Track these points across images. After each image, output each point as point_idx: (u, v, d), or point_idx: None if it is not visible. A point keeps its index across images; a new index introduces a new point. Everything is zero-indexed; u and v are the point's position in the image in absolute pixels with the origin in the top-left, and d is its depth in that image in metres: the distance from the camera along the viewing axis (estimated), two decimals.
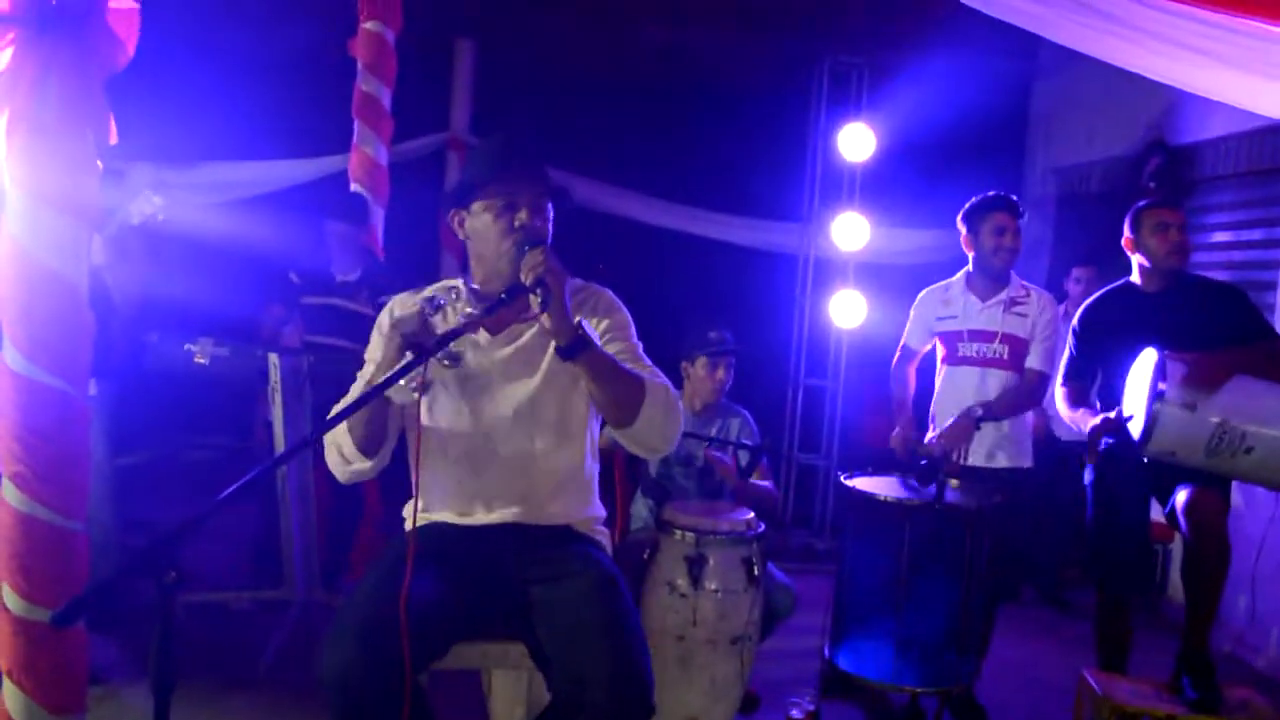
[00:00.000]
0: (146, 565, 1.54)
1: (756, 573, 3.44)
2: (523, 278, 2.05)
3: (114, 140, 2.32)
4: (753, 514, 3.61)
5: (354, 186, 5.03)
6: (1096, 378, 3.68)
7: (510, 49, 7.12)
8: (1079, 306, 3.76)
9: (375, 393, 1.83)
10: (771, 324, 6.39)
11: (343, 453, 2.20)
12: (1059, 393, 3.70)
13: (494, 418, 2.28)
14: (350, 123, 5.13)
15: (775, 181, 6.36)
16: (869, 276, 6.09)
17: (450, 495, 2.33)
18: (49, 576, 2.37)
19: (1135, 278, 3.56)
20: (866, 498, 3.65)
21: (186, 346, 3.78)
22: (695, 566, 3.41)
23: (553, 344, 2.21)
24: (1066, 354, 3.71)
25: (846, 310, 6.02)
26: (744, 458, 4.01)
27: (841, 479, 3.78)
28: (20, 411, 2.32)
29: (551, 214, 2.31)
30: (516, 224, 2.21)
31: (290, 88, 5.86)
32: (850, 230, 5.91)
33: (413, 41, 6.93)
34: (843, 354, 6.21)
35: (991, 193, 3.79)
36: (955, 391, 3.87)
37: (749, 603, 3.43)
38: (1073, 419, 3.62)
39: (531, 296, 2.03)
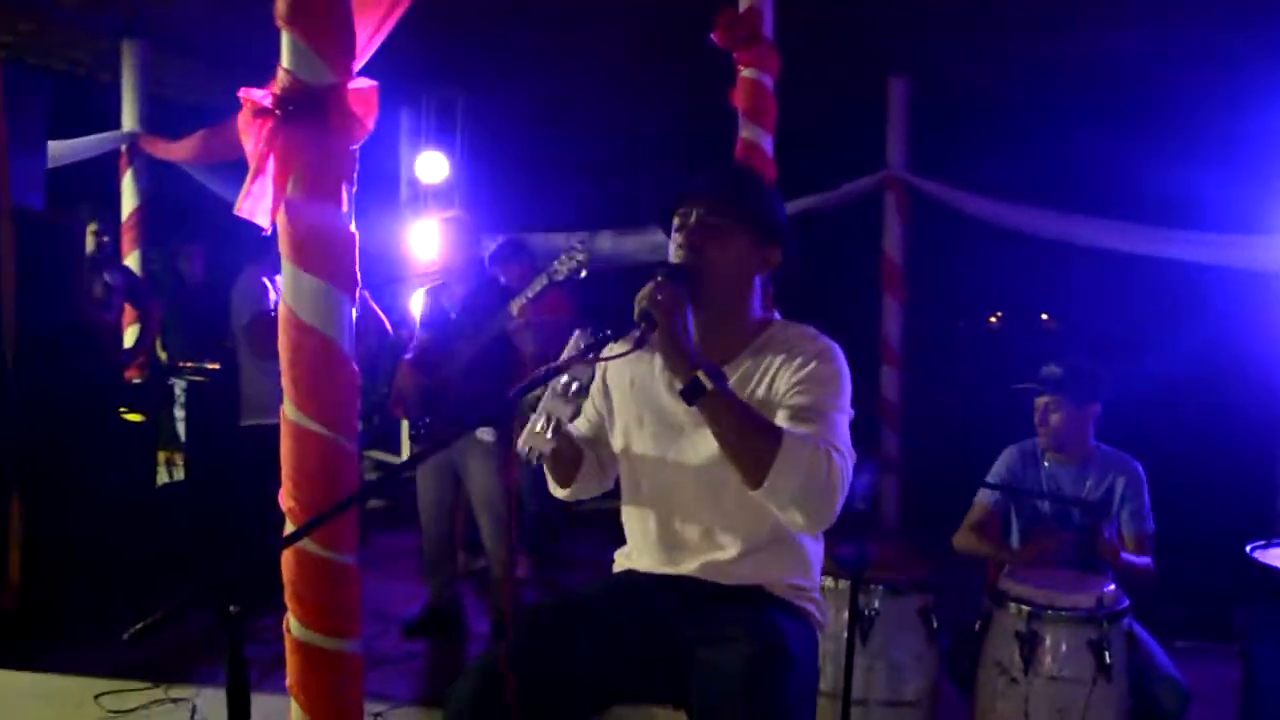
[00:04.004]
0: (210, 599, 1.64)
1: (1110, 660, 2.85)
2: (635, 310, 1.91)
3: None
4: (1113, 587, 3.01)
5: None
6: None
7: (942, 81, 6.77)
8: None
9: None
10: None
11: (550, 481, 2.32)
12: None
13: (682, 466, 2.13)
14: None
15: (1258, 190, 5.29)
16: None
17: (644, 542, 2.23)
18: (320, 604, 2.62)
19: None
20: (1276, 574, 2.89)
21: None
22: (1027, 646, 2.93)
23: (749, 394, 2.03)
24: None
25: None
26: (1126, 521, 3.38)
27: (1247, 550, 3.03)
28: (293, 455, 2.61)
29: (735, 237, 2.10)
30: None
31: (690, 151, 6.10)
32: None
33: (844, 82, 6.88)
34: None
35: None
36: None
37: (1099, 697, 2.86)
38: None
39: (635, 332, 1.88)
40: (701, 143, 5.43)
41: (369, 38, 2.75)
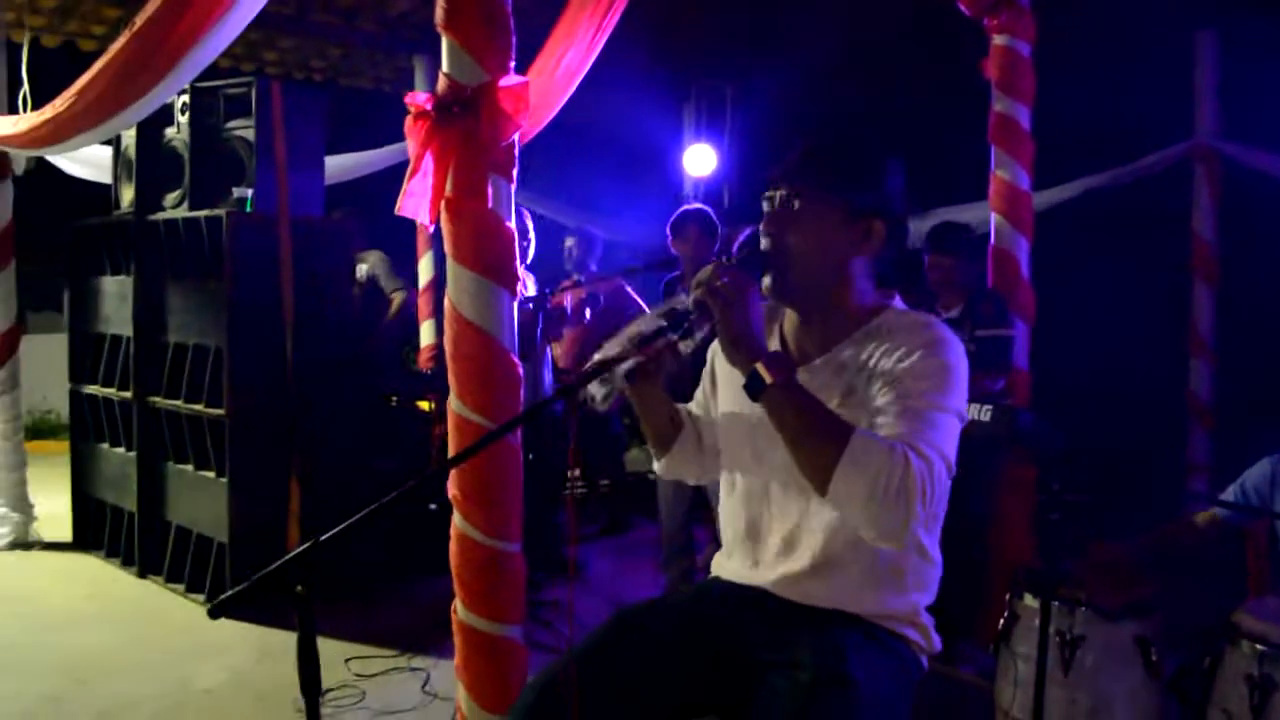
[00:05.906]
0: (278, 580, 1.72)
1: None
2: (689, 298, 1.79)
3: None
4: None
5: (994, 216, 4.67)
6: None
7: (1258, 32, 5.88)
8: None
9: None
10: None
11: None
12: None
13: (771, 465, 1.95)
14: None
15: None
16: None
17: (732, 545, 2.08)
18: (480, 588, 2.71)
19: None
20: None
21: None
22: (1259, 694, 2.50)
23: (845, 386, 1.87)
24: None
25: None
26: None
27: None
28: (457, 445, 2.71)
29: (819, 218, 1.88)
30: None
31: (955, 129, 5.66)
32: None
33: (1141, 41, 6.19)
34: None
35: None
36: None
37: None
38: None
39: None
40: (969, 119, 5.07)
41: (595, 30, 2.80)
